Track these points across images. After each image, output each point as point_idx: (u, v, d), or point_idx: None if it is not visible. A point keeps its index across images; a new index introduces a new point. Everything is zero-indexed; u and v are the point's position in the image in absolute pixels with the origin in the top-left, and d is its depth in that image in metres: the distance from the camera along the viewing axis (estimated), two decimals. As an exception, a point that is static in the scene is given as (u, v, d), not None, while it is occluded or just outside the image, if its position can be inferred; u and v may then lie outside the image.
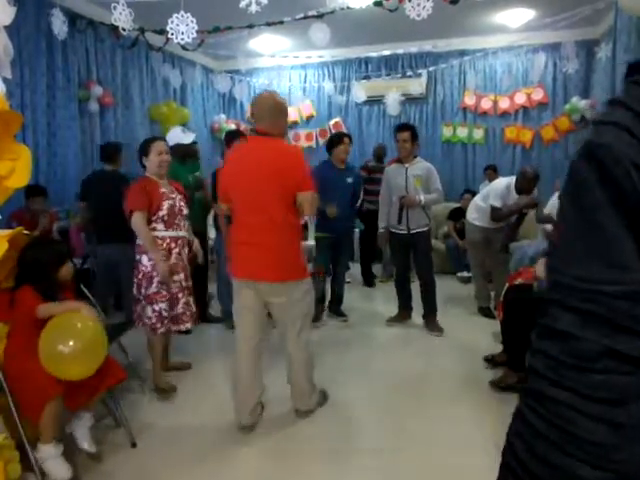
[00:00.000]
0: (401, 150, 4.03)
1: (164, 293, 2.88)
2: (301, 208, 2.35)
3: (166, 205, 2.90)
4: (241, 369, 2.50)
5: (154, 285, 2.84)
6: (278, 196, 2.32)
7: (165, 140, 3.11)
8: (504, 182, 4.37)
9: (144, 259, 2.85)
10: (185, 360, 3.38)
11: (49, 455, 2.04)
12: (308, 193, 2.34)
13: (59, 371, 2.02)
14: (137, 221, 2.80)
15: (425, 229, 4.07)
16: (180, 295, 2.98)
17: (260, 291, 2.42)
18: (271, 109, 2.42)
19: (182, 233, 3.01)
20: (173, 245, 2.94)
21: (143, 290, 2.86)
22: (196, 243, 3.23)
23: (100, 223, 3.88)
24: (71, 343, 2.00)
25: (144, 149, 2.97)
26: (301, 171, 2.35)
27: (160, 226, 2.90)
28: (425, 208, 4.05)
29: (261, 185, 2.32)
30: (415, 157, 4.08)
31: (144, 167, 2.98)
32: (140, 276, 2.86)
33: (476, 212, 4.43)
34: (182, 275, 2.99)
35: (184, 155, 3.98)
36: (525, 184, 4.25)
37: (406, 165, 4.03)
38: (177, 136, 3.99)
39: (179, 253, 2.97)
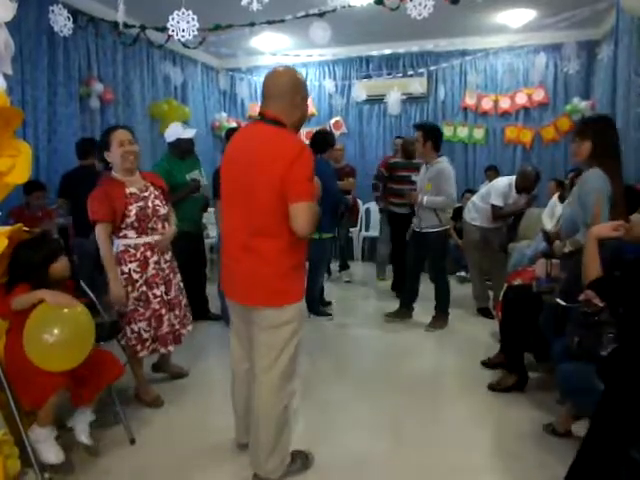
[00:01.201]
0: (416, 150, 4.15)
1: (141, 311, 2.60)
2: (294, 225, 1.82)
3: (134, 210, 2.54)
4: (234, 390, 2.26)
5: (130, 302, 2.57)
6: (268, 202, 1.84)
7: (129, 128, 2.72)
8: (505, 181, 4.38)
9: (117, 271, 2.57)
10: (184, 362, 3.28)
11: (42, 437, 2.06)
12: (300, 205, 1.80)
13: (45, 362, 2.01)
14: (99, 234, 2.51)
15: (434, 230, 4.03)
16: (163, 312, 2.67)
17: (248, 312, 2.05)
18: (289, 89, 1.90)
19: (158, 237, 2.66)
20: (149, 254, 2.62)
21: (116, 307, 2.58)
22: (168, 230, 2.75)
23: (79, 218, 3.88)
24: (55, 331, 1.99)
25: (104, 142, 2.57)
26: (295, 174, 1.78)
27: (131, 233, 2.57)
28: (437, 210, 3.99)
29: (246, 186, 1.88)
30: (440, 156, 4.01)
31: (107, 164, 2.61)
32: None
33: (475, 212, 4.43)
34: (163, 287, 2.67)
35: (183, 152, 3.97)
36: (526, 183, 4.26)
37: (428, 166, 4.05)
38: (177, 132, 3.93)
39: (157, 262, 2.65)
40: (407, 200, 4.09)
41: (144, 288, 2.62)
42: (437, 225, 4.02)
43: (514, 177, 4.36)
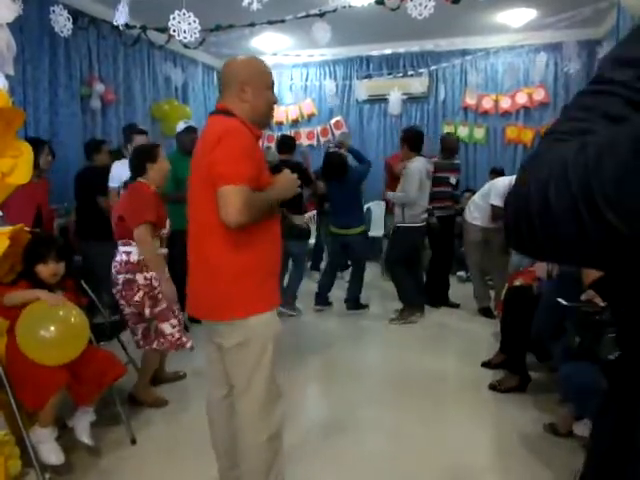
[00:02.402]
0: None
1: (174, 306, 2.70)
2: (221, 214, 1.56)
3: (168, 223, 2.72)
4: (211, 429, 1.98)
5: (162, 301, 2.63)
6: (202, 194, 1.64)
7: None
8: (506, 181, 4.37)
9: (140, 278, 2.59)
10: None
11: (43, 438, 2.07)
12: (225, 189, 1.54)
13: (39, 355, 2.05)
14: (145, 236, 2.51)
15: (398, 225, 4.34)
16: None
17: (209, 328, 1.80)
18: (231, 77, 1.71)
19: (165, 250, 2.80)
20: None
21: (148, 310, 2.62)
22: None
23: (82, 220, 4.08)
24: (52, 328, 2.04)
25: (151, 154, 2.66)
26: (218, 155, 1.57)
27: (157, 243, 2.67)
28: (404, 207, 4.23)
29: (191, 181, 1.73)
30: (417, 157, 4.24)
31: (137, 175, 2.64)
32: (141, 296, 2.58)
33: (476, 212, 4.43)
34: None
35: (183, 146, 4.07)
36: None
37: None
38: (178, 128, 4.21)
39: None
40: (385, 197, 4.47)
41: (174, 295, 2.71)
42: (400, 221, 4.29)
43: (514, 177, 4.36)
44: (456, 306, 4.77)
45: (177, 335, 2.67)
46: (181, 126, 4.17)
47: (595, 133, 0.47)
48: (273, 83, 1.80)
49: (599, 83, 0.52)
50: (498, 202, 4.26)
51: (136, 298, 2.60)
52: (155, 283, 2.62)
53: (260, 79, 1.73)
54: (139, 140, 3.88)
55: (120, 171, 3.53)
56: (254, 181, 1.59)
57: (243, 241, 1.62)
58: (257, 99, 1.70)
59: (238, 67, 1.74)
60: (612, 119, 0.48)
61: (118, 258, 2.63)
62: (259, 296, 1.66)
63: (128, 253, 2.61)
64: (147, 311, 2.62)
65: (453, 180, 4.71)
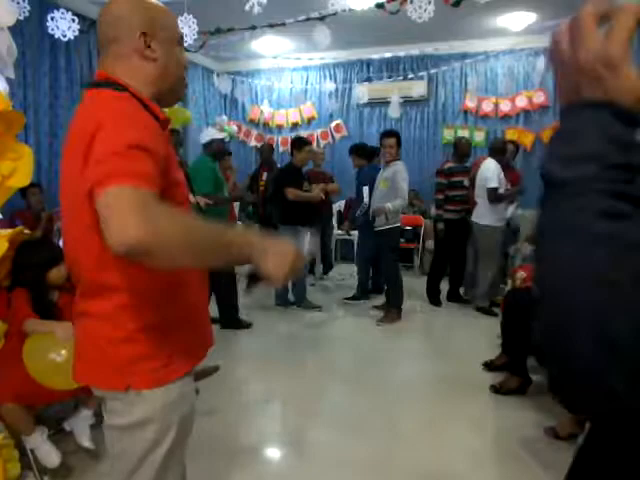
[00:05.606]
0: (386, 155, 4.29)
1: None
2: (106, 233, 0.84)
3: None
4: None
5: None
6: (76, 218, 1.08)
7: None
8: (493, 163, 4.48)
9: None
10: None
11: (35, 444, 2.07)
12: (110, 191, 0.85)
13: (47, 379, 2.01)
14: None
15: (386, 227, 4.35)
16: None
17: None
18: (121, 24, 1.08)
19: None
20: None
21: None
22: None
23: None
24: (63, 352, 1.99)
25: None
26: (98, 149, 0.91)
27: None
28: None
29: (61, 196, 1.17)
30: (398, 159, 4.29)
31: None
32: None
33: (494, 213, 4.45)
34: None
35: (216, 152, 4.11)
36: (499, 151, 4.56)
37: (385, 166, 4.32)
38: (210, 133, 4.24)
39: None
40: (377, 215, 4.25)
41: None
42: (385, 223, 4.29)
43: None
44: (465, 301, 4.91)
45: None
46: (212, 131, 4.28)
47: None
48: (182, 36, 1.18)
49: (564, 186, 0.46)
50: (494, 183, 4.37)
51: None
52: None
53: (168, 27, 1.11)
54: None
55: None
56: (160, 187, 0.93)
57: (148, 294, 1.06)
58: (168, 58, 1.10)
59: (130, 8, 1.08)
60: (610, 216, 0.44)
61: None
62: (167, 359, 1.08)
63: None
64: None
65: (466, 183, 4.73)
